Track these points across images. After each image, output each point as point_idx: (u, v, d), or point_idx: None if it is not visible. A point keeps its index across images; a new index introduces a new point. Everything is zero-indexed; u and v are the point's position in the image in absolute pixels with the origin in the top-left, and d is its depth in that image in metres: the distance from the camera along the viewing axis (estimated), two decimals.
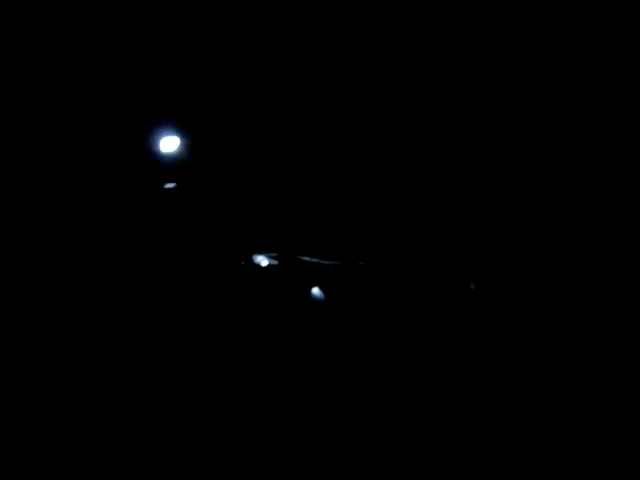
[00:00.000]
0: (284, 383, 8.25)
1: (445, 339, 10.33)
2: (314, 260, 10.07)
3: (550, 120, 9.91)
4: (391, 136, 10.32)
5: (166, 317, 8.94)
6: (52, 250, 8.88)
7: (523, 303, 10.41)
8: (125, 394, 7.55)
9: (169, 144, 9.33)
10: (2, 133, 8.73)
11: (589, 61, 9.55)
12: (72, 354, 8.03)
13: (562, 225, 10.12)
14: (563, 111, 9.83)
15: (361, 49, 9.92)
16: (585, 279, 9.82)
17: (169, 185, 9.54)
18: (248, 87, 9.84)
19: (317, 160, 10.30)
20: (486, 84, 9.88)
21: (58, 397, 7.20)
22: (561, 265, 10.14)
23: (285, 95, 10.00)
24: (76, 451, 6.11)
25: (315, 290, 10.06)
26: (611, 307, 9.35)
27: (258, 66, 9.77)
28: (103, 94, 9.10)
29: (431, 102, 10.10)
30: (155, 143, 9.29)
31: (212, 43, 9.51)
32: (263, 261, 9.96)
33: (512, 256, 10.59)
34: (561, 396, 7.90)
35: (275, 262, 10.08)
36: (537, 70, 9.76)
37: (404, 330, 10.42)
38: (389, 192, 10.60)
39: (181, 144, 9.43)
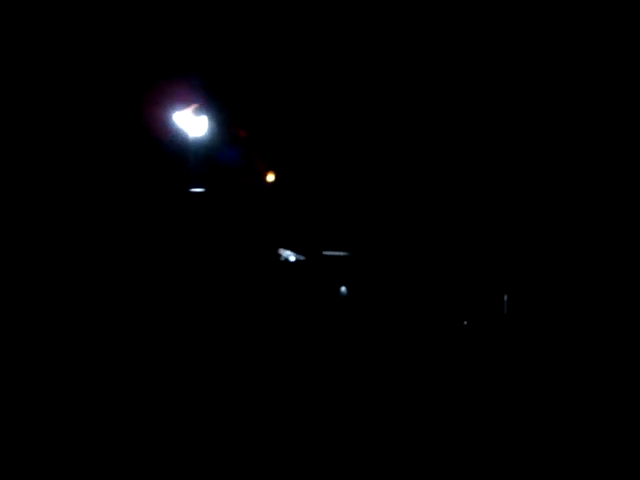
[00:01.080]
0: (309, 373, 8.16)
1: (478, 346, 10.13)
2: (341, 254, 9.73)
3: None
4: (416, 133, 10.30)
5: (196, 307, 8.76)
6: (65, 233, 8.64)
7: (555, 314, 10.23)
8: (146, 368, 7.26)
9: (195, 126, 9.09)
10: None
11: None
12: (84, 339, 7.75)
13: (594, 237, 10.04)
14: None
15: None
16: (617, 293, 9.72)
17: (196, 190, 9.36)
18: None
19: (344, 154, 10.19)
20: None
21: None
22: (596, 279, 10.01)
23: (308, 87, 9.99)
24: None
25: (343, 288, 9.73)
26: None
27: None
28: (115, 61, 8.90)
29: (461, 94, 10.14)
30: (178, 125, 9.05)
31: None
32: (290, 256, 9.65)
33: (544, 268, 10.43)
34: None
35: (302, 257, 9.77)
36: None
37: (434, 335, 10.18)
38: (424, 195, 10.51)
39: (209, 126, 9.17)
